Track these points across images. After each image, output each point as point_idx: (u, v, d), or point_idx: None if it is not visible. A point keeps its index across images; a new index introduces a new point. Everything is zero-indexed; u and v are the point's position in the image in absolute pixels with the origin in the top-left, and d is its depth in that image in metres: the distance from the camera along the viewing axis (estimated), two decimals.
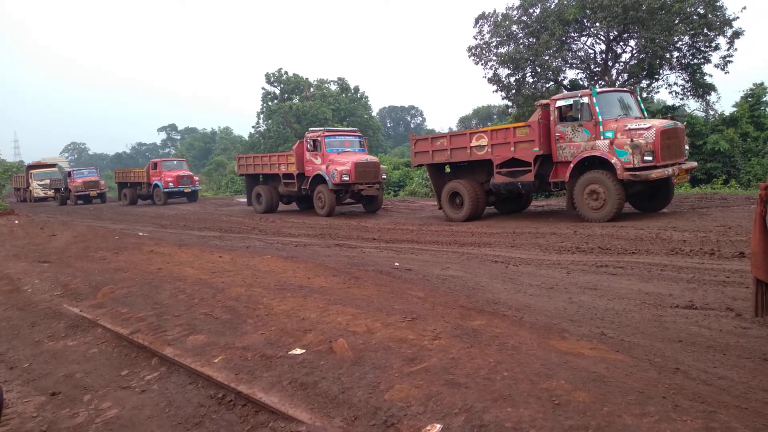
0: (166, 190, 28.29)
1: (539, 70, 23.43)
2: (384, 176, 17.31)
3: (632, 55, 22.89)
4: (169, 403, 3.20)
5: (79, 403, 3.36)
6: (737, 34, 20.49)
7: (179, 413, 3.07)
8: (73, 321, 4.99)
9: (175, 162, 31.11)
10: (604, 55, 23.49)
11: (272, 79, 49.77)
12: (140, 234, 12.77)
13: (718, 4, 20.49)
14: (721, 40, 20.96)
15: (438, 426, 2.37)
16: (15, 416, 3.20)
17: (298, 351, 3.42)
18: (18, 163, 36.32)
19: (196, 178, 29.57)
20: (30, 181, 38.85)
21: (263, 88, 49.81)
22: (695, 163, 12.37)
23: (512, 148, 12.21)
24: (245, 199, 23.46)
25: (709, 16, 20.29)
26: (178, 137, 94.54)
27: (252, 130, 53.33)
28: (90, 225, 15.16)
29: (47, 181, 37.79)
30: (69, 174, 35.04)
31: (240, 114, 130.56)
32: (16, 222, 15.35)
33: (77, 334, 4.69)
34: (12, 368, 4.09)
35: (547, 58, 22.69)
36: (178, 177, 28.33)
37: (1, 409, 2.28)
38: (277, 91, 50.16)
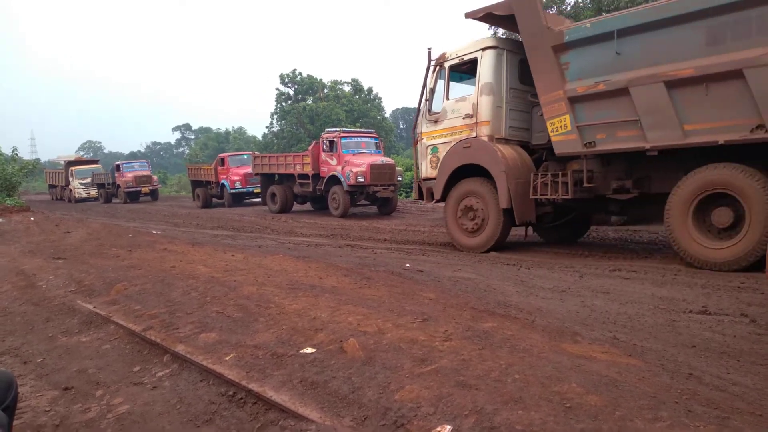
0: (232, 190, 23.87)
1: None
2: (399, 178, 17.30)
3: None
4: (180, 400, 3.22)
5: (92, 398, 3.40)
6: None
7: (190, 410, 3.09)
8: (86, 317, 5.04)
9: (245, 156, 25.64)
10: None
11: (286, 80, 50.03)
12: (154, 232, 12.86)
13: None
14: None
15: (448, 427, 2.36)
16: (29, 410, 3.24)
17: (309, 350, 3.43)
18: (34, 161, 35.74)
19: None
20: (70, 179, 34.95)
21: (277, 89, 50.14)
22: None
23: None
24: (258, 198, 23.52)
25: None
26: (192, 137, 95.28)
27: (265, 131, 53.63)
28: (104, 223, 15.30)
29: (89, 180, 33.84)
30: (117, 167, 31.44)
31: (254, 114, 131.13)
32: (32, 219, 15.54)
33: (90, 330, 4.73)
34: (26, 362, 4.14)
35: None
36: (246, 175, 23.47)
37: (16, 402, 2.30)
38: (291, 92, 50.39)
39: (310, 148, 18.55)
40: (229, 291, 5.06)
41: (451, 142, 9.23)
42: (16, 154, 25.88)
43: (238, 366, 3.35)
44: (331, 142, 17.20)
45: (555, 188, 7.98)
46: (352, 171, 15.93)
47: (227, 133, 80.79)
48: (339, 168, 16.66)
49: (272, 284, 5.34)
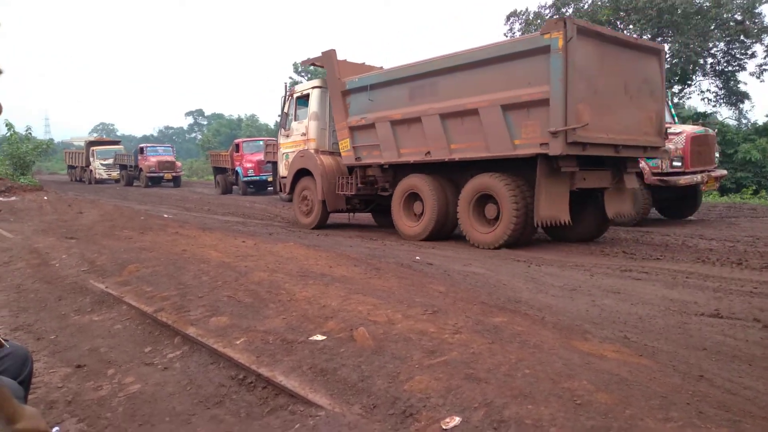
0: (245, 178, 22.93)
1: None
2: None
3: (665, 59, 22.48)
4: (191, 382, 3.25)
5: (103, 377, 3.43)
6: None
7: (200, 392, 3.12)
8: (98, 297, 5.08)
9: (260, 143, 24.00)
10: None
11: (299, 69, 49.93)
12: (165, 216, 12.94)
13: (756, 11, 20.01)
14: (758, 48, 20.52)
15: (457, 419, 2.37)
16: (42, 385, 3.28)
17: (319, 337, 3.44)
18: (48, 140, 35.69)
19: None
20: (91, 159, 34.23)
21: (290, 78, 50.02)
22: (725, 172, 12.26)
23: None
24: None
25: (747, 23, 19.85)
26: (205, 122, 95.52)
27: (277, 119, 53.59)
28: (116, 205, 15.40)
29: (111, 161, 33.19)
30: (141, 150, 30.83)
31: (266, 102, 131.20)
32: (45, 198, 15.67)
33: (102, 310, 4.78)
34: (39, 339, 4.19)
35: None
36: (258, 162, 22.40)
37: (31, 377, 2.32)
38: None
39: None
40: (239, 276, 5.09)
41: (295, 151, 12.33)
42: (30, 134, 25.98)
43: (249, 350, 3.38)
44: None
45: (348, 187, 11.11)
46: None
47: (239, 120, 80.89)
48: None
49: (283, 271, 5.36)
